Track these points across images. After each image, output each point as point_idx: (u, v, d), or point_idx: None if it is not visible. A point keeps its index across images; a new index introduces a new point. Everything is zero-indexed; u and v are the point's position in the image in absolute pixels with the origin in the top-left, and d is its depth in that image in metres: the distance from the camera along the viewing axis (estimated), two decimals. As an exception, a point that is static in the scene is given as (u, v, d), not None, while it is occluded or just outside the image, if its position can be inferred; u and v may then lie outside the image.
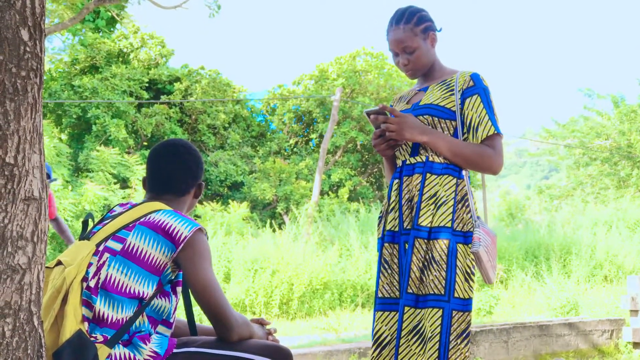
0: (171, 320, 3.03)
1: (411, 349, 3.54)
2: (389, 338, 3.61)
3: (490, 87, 3.71)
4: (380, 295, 3.68)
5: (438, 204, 3.56)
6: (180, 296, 3.09)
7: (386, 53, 26.92)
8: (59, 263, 2.93)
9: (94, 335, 2.81)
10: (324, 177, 24.08)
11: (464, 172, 3.65)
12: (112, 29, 26.37)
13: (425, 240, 3.55)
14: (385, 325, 3.63)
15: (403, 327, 3.55)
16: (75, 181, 18.20)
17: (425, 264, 3.55)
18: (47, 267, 2.90)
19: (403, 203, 3.67)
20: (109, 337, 2.82)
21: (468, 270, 3.54)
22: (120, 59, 24.93)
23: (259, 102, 27.51)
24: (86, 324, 2.81)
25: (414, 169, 3.67)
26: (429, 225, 3.55)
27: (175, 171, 3.19)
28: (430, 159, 3.64)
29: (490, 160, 3.60)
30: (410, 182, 3.67)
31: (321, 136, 25.53)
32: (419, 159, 3.67)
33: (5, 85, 2.34)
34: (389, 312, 3.64)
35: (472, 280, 3.56)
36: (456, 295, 3.50)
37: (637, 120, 28.28)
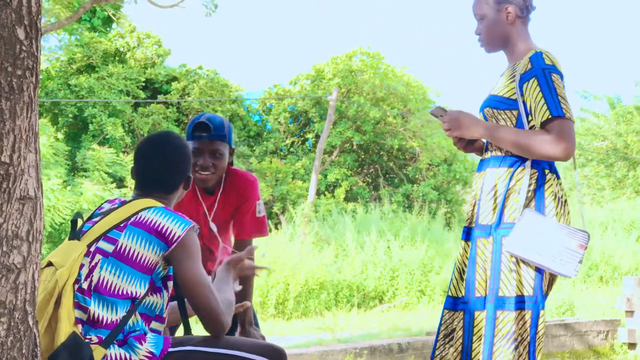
0: (164, 315, 3.03)
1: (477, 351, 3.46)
2: (451, 336, 3.53)
3: (558, 64, 3.48)
4: (448, 293, 3.60)
5: (497, 200, 3.46)
6: (170, 290, 3.09)
7: (382, 52, 26.93)
8: (50, 264, 2.92)
9: (88, 336, 2.81)
10: (321, 177, 24.07)
11: (528, 162, 3.44)
12: (108, 29, 26.33)
13: (485, 239, 3.47)
14: (449, 324, 3.55)
15: (474, 332, 3.47)
16: (72, 180, 18.18)
17: (487, 264, 3.46)
18: (39, 267, 2.90)
19: (475, 201, 3.60)
20: (103, 337, 2.82)
21: (513, 267, 3.37)
22: (117, 58, 24.90)
23: (255, 102, 27.50)
24: (80, 326, 2.81)
25: (482, 165, 3.60)
26: (488, 223, 3.47)
27: (163, 170, 3.17)
28: (494, 153, 3.54)
29: (544, 146, 3.34)
30: (479, 179, 3.59)
31: (317, 136, 25.51)
32: (487, 155, 3.59)
33: (1, 84, 2.34)
34: (453, 312, 3.56)
35: (528, 275, 3.37)
36: (501, 294, 3.36)
37: (633, 122, 28.31)
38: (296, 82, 27.56)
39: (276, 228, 16.87)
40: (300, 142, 27.80)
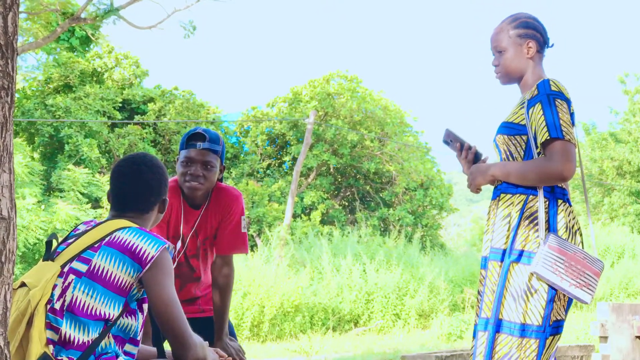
0: (138, 338, 3.01)
1: None
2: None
3: (565, 91, 3.50)
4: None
5: (510, 226, 3.48)
6: (145, 313, 3.06)
7: (360, 76, 27.04)
8: (23, 284, 2.89)
9: (59, 357, 2.78)
10: (297, 200, 24.05)
11: (540, 191, 3.45)
12: (86, 48, 26.27)
13: (497, 262, 3.49)
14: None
15: (477, 353, 3.49)
16: (46, 200, 18.07)
17: (495, 286, 3.48)
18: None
19: (491, 228, 3.61)
20: (75, 358, 2.79)
21: (521, 293, 3.38)
22: (94, 79, 24.84)
23: (232, 124, 27.48)
24: (51, 346, 2.78)
25: (496, 192, 3.62)
26: (502, 247, 3.49)
27: (138, 190, 3.16)
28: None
29: (545, 170, 3.38)
30: (494, 206, 3.62)
31: (294, 159, 25.52)
32: (498, 182, 3.62)
33: (-25, 103, 2.32)
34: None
35: (539, 304, 3.38)
36: (501, 317, 3.39)
37: (608, 148, 28.53)
38: (274, 105, 27.58)
39: (252, 250, 16.82)
40: (277, 165, 27.80)
